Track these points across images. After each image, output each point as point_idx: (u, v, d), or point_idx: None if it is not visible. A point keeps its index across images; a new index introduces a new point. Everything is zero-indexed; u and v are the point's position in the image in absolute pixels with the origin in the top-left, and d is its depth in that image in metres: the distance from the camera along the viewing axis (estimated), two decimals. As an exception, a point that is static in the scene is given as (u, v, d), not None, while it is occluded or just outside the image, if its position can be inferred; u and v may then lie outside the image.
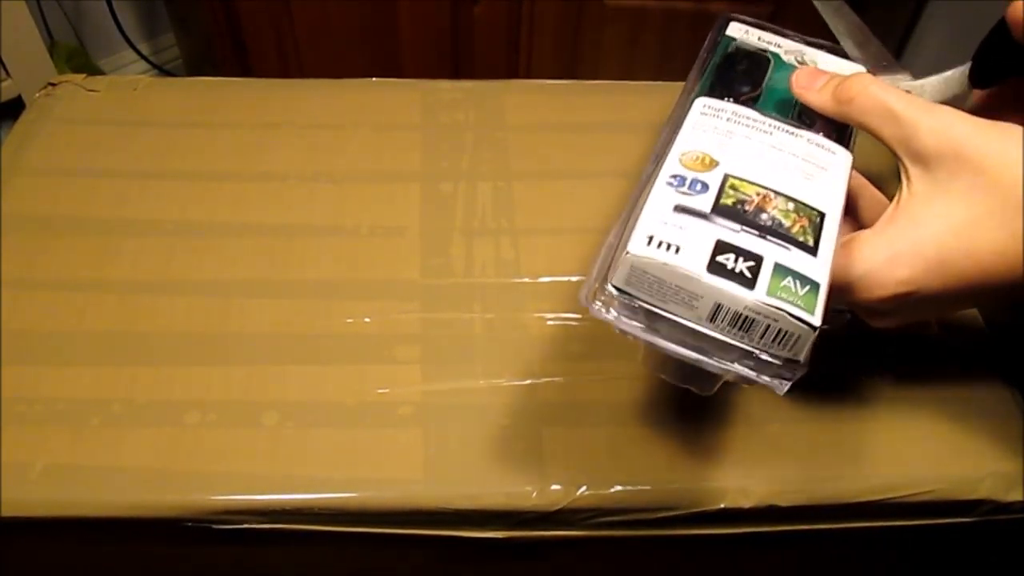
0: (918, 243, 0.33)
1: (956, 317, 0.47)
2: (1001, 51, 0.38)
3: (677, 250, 0.31)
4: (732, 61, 0.41)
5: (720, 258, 0.31)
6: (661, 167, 0.34)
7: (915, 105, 0.34)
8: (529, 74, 1.22)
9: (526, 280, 0.48)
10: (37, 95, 0.59)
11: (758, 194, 0.33)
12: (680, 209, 0.32)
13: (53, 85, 0.59)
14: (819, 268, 0.31)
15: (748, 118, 0.36)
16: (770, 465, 0.40)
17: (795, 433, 0.41)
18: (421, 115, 0.58)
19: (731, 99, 0.38)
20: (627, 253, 0.31)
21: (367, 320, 0.45)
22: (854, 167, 0.36)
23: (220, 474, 0.39)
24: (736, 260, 0.31)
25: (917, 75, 0.42)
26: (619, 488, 0.39)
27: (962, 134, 0.32)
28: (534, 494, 0.39)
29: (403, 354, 0.44)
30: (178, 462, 0.39)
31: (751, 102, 0.38)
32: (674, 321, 0.31)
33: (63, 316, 0.45)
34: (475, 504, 0.39)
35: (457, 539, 0.39)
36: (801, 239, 0.32)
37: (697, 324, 0.31)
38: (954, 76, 0.40)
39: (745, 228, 0.32)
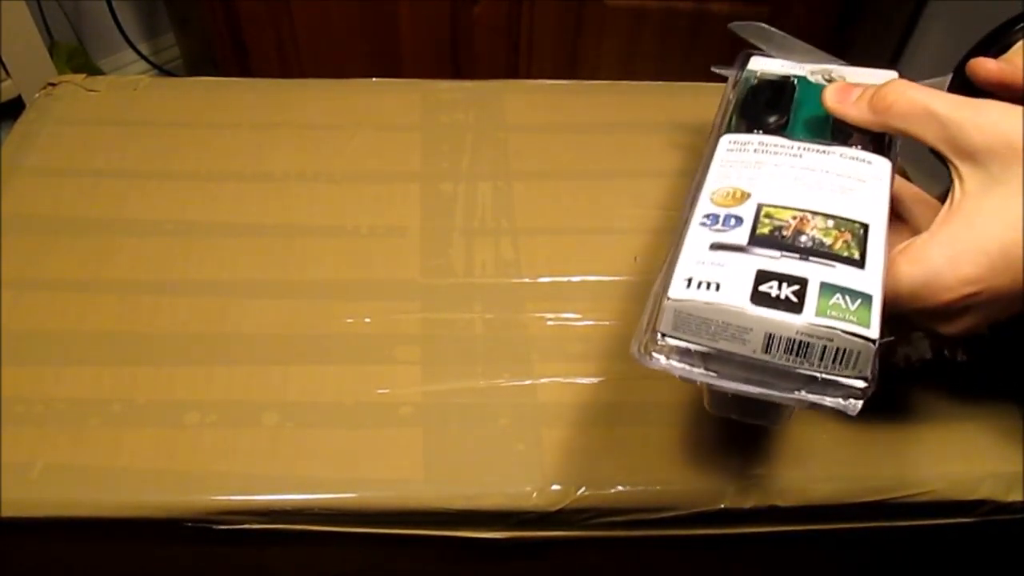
0: (980, 240, 0.32)
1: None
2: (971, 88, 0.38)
3: (718, 287, 0.31)
4: (756, 93, 0.41)
5: (763, 287, 0.30)
6: (694, 209, 0.34)
7: (957, 103, 0.33)
8: (529, 74, 1.22)
9: (526, 280, 0.48)
10: (37, 95, 0.59)
11: (794, 217, 0.33)
12: (716, 247, 0.32)
13: (53, 85, 0.59)
14: (869, 280, 0.31)
15: (776, 145, 0.36)
16: (771, 465, 0.40)
17: (795, 434, 0.41)
18: (421, 115, 0.58)
19: (759, 131, 0.37)
20: (668, 299, 0.31)
21: (367, 320, 0.45)
22: (902, 175, 0.36)
23: (220, 474, 0.39)
24: (780, 286, 0.30)
25: (915, 79, 0.42)
26: (619, 488, 0.39)
27: (1011, 126, 0.32)
28: (534, 494, 0.39)
29: (403, 354, 0.44)
30: (178, 462, 0.39)
31: (780, 129, 0.38)
32: (731, 358, 0.31)
33: (63, 316, 0.45)
34: (475, 504, 0.39)
35: (457, 539, 0.39)
36: (845, 254, 0.31)
37: (754, 357, 0.30)
38: (935, 85, 0.40)
39: (785, 253, 0.31)
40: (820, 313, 0.30)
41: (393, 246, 0.49)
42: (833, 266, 0.31)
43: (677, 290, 0.31)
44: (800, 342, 0.30)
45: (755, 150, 0.36)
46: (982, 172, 0.32)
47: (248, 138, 0.56)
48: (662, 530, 0.40)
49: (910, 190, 0.38)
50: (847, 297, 0.30)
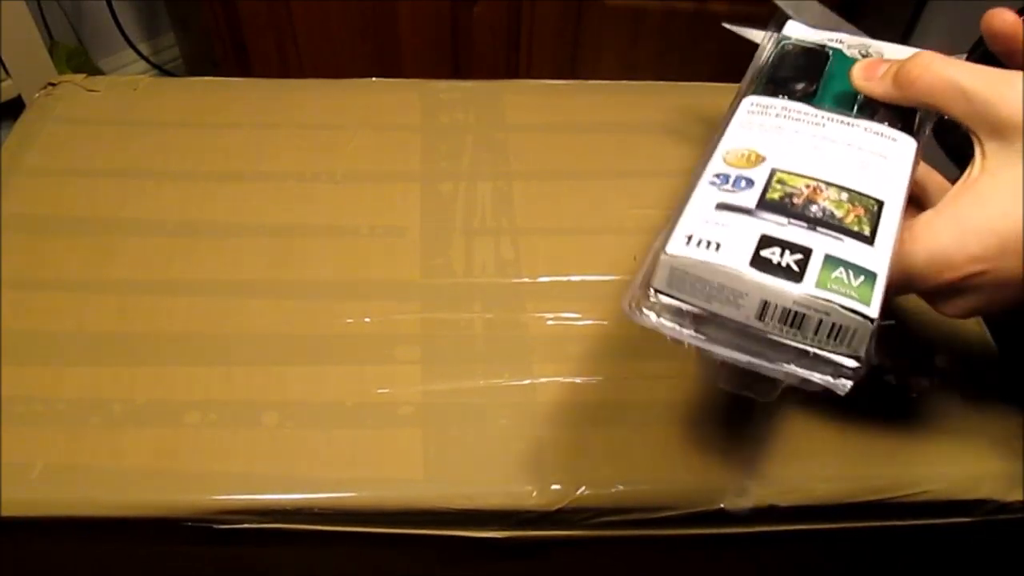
0: (991, 217, 0.31)
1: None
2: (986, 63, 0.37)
3: (718, 247, 0.30)
4: (786, 59, 0.39)
5: (765, 252, 0.29)
6: (705, 167, 0.33)
7: (986, 76, 0.32)
8: (529, 74, 1.22)
9: (526, 280, 0.48)
10: (37, 95, 0.59)
11: (808, 186, 0.32)
12: (723, 207, 0.31)
13: (53, 85, 0.59)
14: (877, 258, 0.30)
15: (800, 111, 0.35)
16: (770, 465, 0.40)
17: (795, 433, 0.41)
18: (421, 115, 0.58)
19: (784, 96, 0.36)
20: (665, 254, 0.30)
21: (367, 320, 0.45)
22: (921, 156, 0.34)
23: (220, 474, 0.39)
24: (782, 254, 0.29)
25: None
26: (619, 488, 0.39)
27: None
28: (534, 494, 0.39)
29: (403, 354, 0.44)
30: (178, 462, 0.39)
31: (807, 98, 0.36)
32: (724, 324, 0.30)
33: (63, 316, 0.45)
34: (475, 504, 0.39)
35: (457, 539, 0.39)
36: (856, 229, 0.30)
37: (747, 324, 0.29)
38: None
39: (793, 221, 0.30)
40: (820, 285, 0.29)
41: (393, 246, 0.49)
42: (841, 239, 0.30)
43: (676, 246, 0.30)
44: (796, 313, 0.29)
45: (776, 115, 0.35)
46: (1008, 149, 0.31)
47: (248, 138, 0.56)
48: (662, 530, 0.40)
49: (933, 177, 0.36)
50: (851, 272, 0.29)
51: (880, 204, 0.31)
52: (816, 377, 0.30)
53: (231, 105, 0.59)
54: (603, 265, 0.49)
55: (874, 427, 0.42)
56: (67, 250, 0.48)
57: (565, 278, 0.48)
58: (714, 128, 0.38)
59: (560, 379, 0.43)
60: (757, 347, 0.30)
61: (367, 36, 1.16)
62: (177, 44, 1.54)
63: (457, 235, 0.50)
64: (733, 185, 0.32)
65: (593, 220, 0.51)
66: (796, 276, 0.29)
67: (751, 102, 0.36)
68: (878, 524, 0.41)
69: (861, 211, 0.31)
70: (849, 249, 0.30)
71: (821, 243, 0.30)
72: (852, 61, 0.38)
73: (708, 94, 0.60)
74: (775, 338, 0.30)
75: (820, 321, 0.29)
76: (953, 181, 0.34)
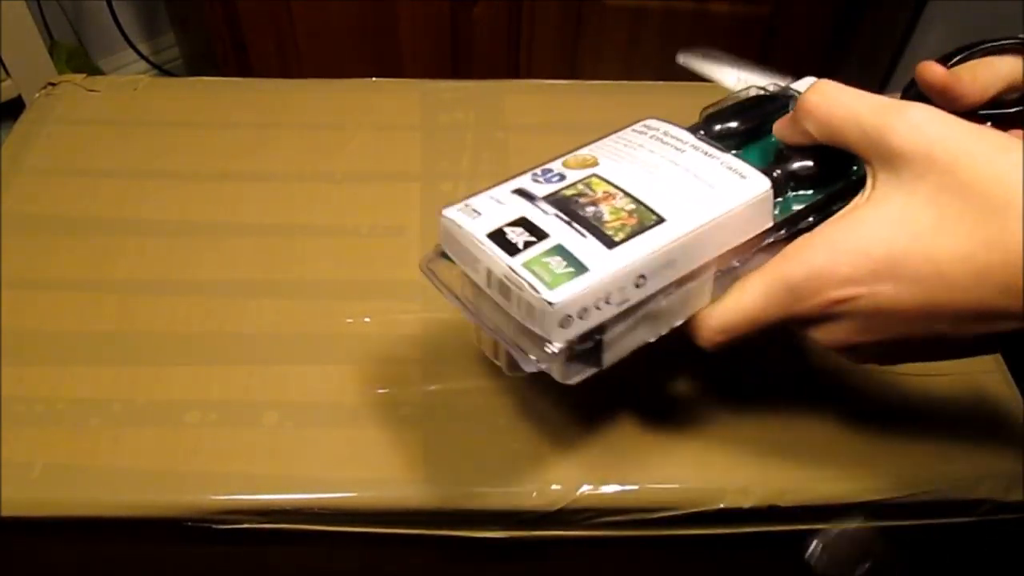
0: (865, 241, 0.30)
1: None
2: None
3: (477, 216, 0.32)
4: (741, 105, 0.39)
5: (508, 229, 0.31)
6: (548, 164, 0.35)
7: (879, 105, 0.31)
8: (529, 74, 1.22)
9: (526, 280, 0.48)
10: (37, 95, 0.59)
11: (605, 192, 0.32)
12: (517, 191, 0.33)
13: (53, 85, 0.59)
14: (604, 260, 0.30)
15: (676, 139, 0.35)
16: (770, 465, 0.40)
17: (795, 433, 0.41)
18: (421, 115, 0.58)
19: (700, 132, 0.36)
20: (443, 215, 0.33)
21: (367, 320, 0.45)
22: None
23: (220, 474, 0.39)
24: (521, 234, 0.31)
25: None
26: (619, 488, 0.39)
27: (936, 133, 0.29)
28: (534, 494, 0.39)
29: (403, 354, 0.44)
30: (178, 462, 0.39)
31: (726, 139, 0.36)
32: (480, 291, 0.32)
33: (63, 316, 0.45)
34: (475, 504, 0.39)
35: (457, 539, 0.39)
36: (609, 233, 0.31)
37: (484, 289, 0.32)
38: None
39: (560, 213, 0.31)
40: (527, 264, 0.30)
41: (393, 246, 0.49)
42: (584, 236, 0.31)
43: (452, 210, 0.33)
44: (503, 283, 0.30)
45: (652, 136, 0.36)
46: (895, 179, 0.30)
47: (248, 138, 0.56)
48: (662, 530, 0.40)
49: None
50: (565, 262, 0.30)
51: (660, 221, 0.31)
52: (530, 353, 0.31)
53: (231, 105, 0.59)
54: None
55: (874, 427, 0.42)
56: (67, 250, 0.48)
57: (565, 278, 0.48)
58: None
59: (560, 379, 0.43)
60: (498, 319, 0.32)
61: (367, 36, 1.16)
62: (177, 44, 1.54)
63: (457, 235, 0.50)
64: (545, 177, 0.34)
65: (593, 220, 0.51)
66: (514, 251, 0.30)
67: (644, 123, 0.37)
68: (878, 524, 0.41)
69: (633, 221, 0.31)
70: (583, 245, 0.30)
71: (562, 234, 0.31)
72: None
73: (708, 94, 0.60)
74: (500, 304, 0.31)
75: (519, 297, 0.30)
76: None
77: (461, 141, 0.56)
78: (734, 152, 0.35)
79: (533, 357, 0.31)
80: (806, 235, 0.32)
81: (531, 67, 1.21)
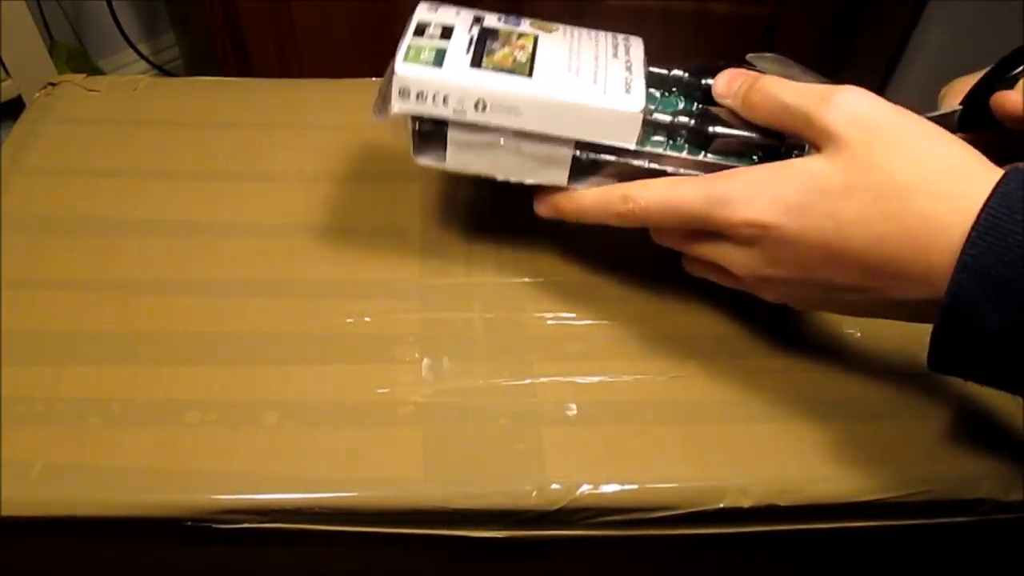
0: (784, 186, 0.35)
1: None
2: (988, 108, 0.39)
3: (435, 13, 0.42)
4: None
5: (433, 26, 0.40)
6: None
7: (807, 92, 0.35)
8: (529, 74, 1.22)
9: (526, 280, 0.48)
10: (37, 95, 0.59)
11: (520, 45, 0.40)
12: (476, 17, 0.42)
13: (53, 85, 0.59)
14: (459, 69, 0.38)
15: (624, 48, 0.43)
16: (770, 465, 0.40)
17: (795, 433, 0.41)
18: (421, 115, 0.58)
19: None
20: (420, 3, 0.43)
21: (367, 320, 0.45)
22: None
23: (220, 474, 0.39)
24: (436, 31, 0.40)
25: (915, 83, 0.42)
26: (619, 488, 0.39)
27: (859, 112, 0.34)
28: (534, 494, 0.39)
29: (403, 354, 0.44)
30: (178, 462, 0.39)
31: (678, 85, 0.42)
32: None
33: (63, 316, 0.45)
34: (475, 504, 0.39)
35: (457, 539, 0.39)
36: (483, 61, 0.38)
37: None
38: (943, 117, 0.40)
39: (473, 36, 0.40)
40: (411, 45, 0.39)
41: (393, 246, 0.49)
42: (466, 54, 0.38)
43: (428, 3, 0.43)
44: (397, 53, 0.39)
45: (613, 42, 0.44)
46: (826, 150, 0.34)
47: (248, 138, 0.56)
48: (662, 530, 0.40)
49: None
50: (434, 56, 0.38)
51: (527, 75, 0.38)
52: (383, 109, 0.39)
53: (231, 105, 0.59)
54: (603, 264, 0.49)
55: (874, 427, 0.42)
56: (67, 250, 0.48)
57: (565, 278, 0.48)
58: None
59: (560, 379, 0.43)
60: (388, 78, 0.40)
61: (367, 36, 1.16)
62: (177, 44, 1.54)
63: (457, 235, 0.50)
64: (507, 19, 0.42)
65: (593, 220, 0.51)
66: (419, 35, 0.40)
67: (630, 36, 0.45)
68: (878, 524, 0.41)
69: (508, 63, 0.38)
70: (457, 56, 0.38)
71: (455, 44, 0.39)
72: None
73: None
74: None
75: (391, 74, 0.39)
76: None
77: (461, 141, 0.56)
78: (663, 92, 0.42)
79: (382, 111, 0.39)
80: (745, 167, 0.37)
81: (531, 67, 1.21)
